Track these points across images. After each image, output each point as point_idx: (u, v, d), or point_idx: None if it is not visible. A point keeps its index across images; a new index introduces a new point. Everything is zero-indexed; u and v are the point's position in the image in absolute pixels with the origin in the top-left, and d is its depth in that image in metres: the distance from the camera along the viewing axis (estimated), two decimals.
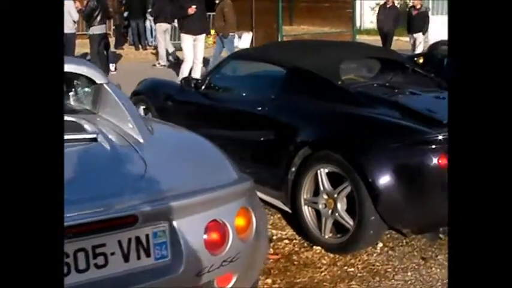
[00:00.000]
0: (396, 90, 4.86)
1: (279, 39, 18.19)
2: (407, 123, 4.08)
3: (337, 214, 4.21)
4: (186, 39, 11.13)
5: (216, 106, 5.53)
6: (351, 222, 4.12)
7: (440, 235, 4.29)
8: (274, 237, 4.67)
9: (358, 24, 25.83)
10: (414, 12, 15.37)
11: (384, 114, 4.25)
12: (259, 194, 5.04)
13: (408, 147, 3.95)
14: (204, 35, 11.35)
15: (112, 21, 17.14)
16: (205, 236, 2.62)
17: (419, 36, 15.11)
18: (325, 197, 4.29)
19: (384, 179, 3.89)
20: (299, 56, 5.15)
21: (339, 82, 4.65)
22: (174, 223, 2.55)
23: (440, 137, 3.84)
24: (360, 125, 4.31)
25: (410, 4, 16.18)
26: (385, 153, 3.98)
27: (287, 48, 5.84)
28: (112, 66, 13.34)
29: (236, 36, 19.67)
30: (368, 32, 21.35)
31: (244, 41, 19.02)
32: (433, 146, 3.85)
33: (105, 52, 12.58)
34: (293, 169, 4.51)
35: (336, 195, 4.20)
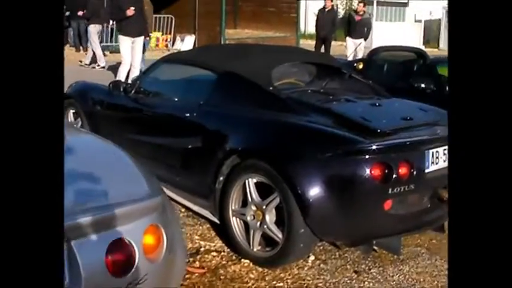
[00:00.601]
0: (331, 97, 4.69)
1: (222, 43, 18.00)
2: (340, 131, 3.91)
3: (265, 226, 4.01)
4: (124, 42, 10.84)
5: (145, 111, 5.27)
6: (280, 235, 3.92)
7: (374, 247, 4.14)
8: (202, 249, 4.44)
9: (302, 28, 25.93)
10: (357, 18, 15.15)
11: (315, 122, 4.06)
12: (188, 203, 4.87)
13: (340, 157, 3.78)
14: (142, 37, 11.05)
15: None
16: (107, 257, 2.36)
17: (360, 42, 14.90)
18: (254, 208, 4.09)
19: (314, 190, 3.70)
20: (230, 60, 4.94)
21: (270, 88, 4.44)
22: (72, 243, 2.28)
23: (374, 147, 3.69)
24: (290, 133, 4.12)
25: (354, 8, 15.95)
26: (314, 163, 3.79)
27: (218, 52, 5.62)
28: None
29: (179, 39, 19.56)
30: (312, 36, 21.30)
31: (186, 44, 18.82)
32: (366, 156, 3.69)
33: None
34: (221, 178, 4.30)
35: (264, 207, 4.00)
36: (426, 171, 3.90)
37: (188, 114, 4.71)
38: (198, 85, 5.08)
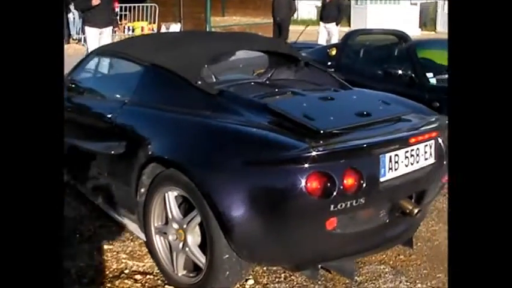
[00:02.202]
0: (275, 90, 3.99)
1: (207, 30, 17.31)
2: (271, 134, 3.20)
3: (187, 249, 3.35)
4: (91, 33, 10.20)
5: (72, 110, 4.60)
6: (203, 260, 3.26)
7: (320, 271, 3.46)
8: (127, 271, 3.79)
9: (295, 14, 25.16)
10: (327, 0, 13.80)
11: (245, 123, 3.36)
12: (116, 216, 4.22)
13: (269, 166, 3.06)
14: (110, 28, 10.39)
15: None
16: None
17: (332, 26, 13.63)
18: (175, 226, 3.43)
19: (238, 208, 3.02)
20: (161, 51, 4.22)
21: (198, 82, 3.72)
22: None
23: (313, 153, 2.94)
24: (213, 137, 3.40)
25: None
26: (239, 174, 3.09)
27: (152, 41, 4.89)
28: None
29: (164, 27, 18.88)
30: (304, 22, 20.53)
31: None
32: (301, 165, 2.95)
33: None
34: (142, 190, 3.64)
35: (185, 226, 3.34)
36: (381, 180, 3.18)
37: (110, 115, 4.04)
38: (124, 81, 4.38)
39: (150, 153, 3.52)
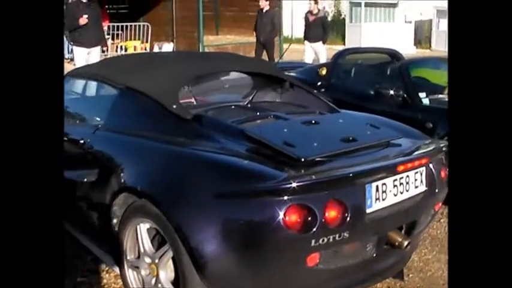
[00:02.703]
0: (257, 114, 3.77)
1: (200, 50, 17.12)
2: (248, 163, 2.98)
3: (160, 285, 3.12)
4: (79, 53, 9.98)
5: None
6: None
7: None
8: None
9: (288, 33, 25.01)
10: (311, 18, 12.96)
11: (220, 151, 3.15)
12: (91, 247, 4.01)
13: (245, 198, 2.83)
14: (98, 48, 10.18)
15: None
16: None
17: (318, 46, 12.99)
18: (148, 261, 3.21)
19: (211, 244, 2.80)
20: (137, 72, 4.01)
21: (174, 106, 3.50)
22: None
23: (292, 184, 2.70)
24: (184, 166, 3.16)
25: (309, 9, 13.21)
26: (212, 207, 2.85)
27: (129, 62, 4.67)
28: None
29: (157, 47, 18.70)
30: (299, 40, 20.37)
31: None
32: (279, 197, 2.71)
33: None
34: (115, 220, 3.42)
35: (157, 260, 3.11)
36: (368, 211, 2.95)
37: (83, 141, 3.82)
38: (98, 104, 4.19)
39: (122, 181, 3.30)
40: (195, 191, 2.93)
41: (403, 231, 3.27)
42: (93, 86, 4.39)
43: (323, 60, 12.16)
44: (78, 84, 4.53)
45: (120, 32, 18.36)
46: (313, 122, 3.51)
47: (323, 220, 2.73)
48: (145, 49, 18.82)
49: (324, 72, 7.11)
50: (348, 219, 2.81)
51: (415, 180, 3.20)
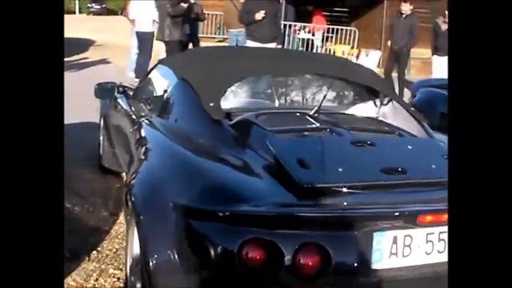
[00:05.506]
0: (313, 126, 3.23)
1: (407, 62, 16.10)
2: (233, 181, 2.58)
3: None
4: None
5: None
6: None
7: None
8: None
9: None
10: (444, 27, 10.29)
11: (218, 161, 2.82)
12: None
13: (206, 219, 2.37)
14: (273, 45, 9.90)
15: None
16: None
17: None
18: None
19: (161, 257, 2.42)
20: (199, 65, 3.84)
21: (211, 104, 3.20)
22: None
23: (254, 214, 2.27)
24: (171, 169, 2.83)
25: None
26: (170, 220, 2.47)
27: (202, 54, 4.43)
28: None
29: (364, 53, 18.15)
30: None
31: (371, 59, 17.29)
32: (241, 227, 2.26)
33: None
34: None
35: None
36: (374, 267, 2.33)
37: (132, 129, 3.72)
38: (160, 93, 3.94)
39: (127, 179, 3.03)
40: (161, 198, 2.56)
41: None
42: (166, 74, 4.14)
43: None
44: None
45: (333, 35, 18.31)
46: (369, 143, 2.89)
47: (292, 264, 2.19)
48: (353, 55, 18.40)
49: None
50: (331, 270, 2.22)
51: None
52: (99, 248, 3.83)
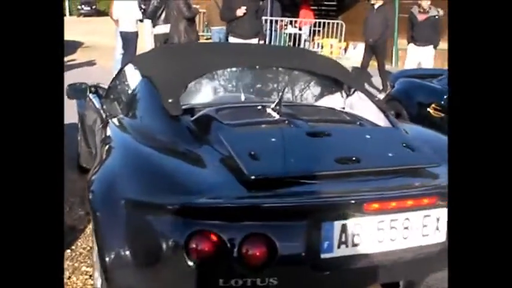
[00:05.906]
0: (274, 118, 3.26)
1: (393, 54, 16.29)
2: (180, 174, 2.62)
3: None
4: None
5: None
6: None
7: None
8: None
9: None
10: (420, 17, 10.19)
11: (180, 156, 2.82)
12: None
13: (154, 213, 2.42)
14: (255, 41, 9.98)
15: None
16: None
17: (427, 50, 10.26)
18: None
19: (114, 252, 2.46)
20: (163, 62, 3.85)
21: (170, 100, 3.21)
22: None
23: (212, 205, 2.31)
24: (124, 164, 2.87)
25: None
26: (121, 214, 2.52)
27: (168, 52, 4.41)
28: None
29: (351, 46, 18.15)
30: None
31: (358, 51, 17.27)
32: (188, 219, 2.30)
33: None
34: None
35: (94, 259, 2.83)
36: (323, 256, 2.39)
37: (98, 128, 3.69)
38: (126, 91, 3.97)
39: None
40: (115, 195, 2.59)
41: None
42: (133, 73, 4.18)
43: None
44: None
45: (320, 29, 18.30)
46: (326, 133, 2.92)
47: (239, 255, 2.24)
48: (341, 48, 18.45)
49: None
50: (277, 260, 2.27)
51: (424, 226, 2.54)
52: (73, 247, 3.93)
